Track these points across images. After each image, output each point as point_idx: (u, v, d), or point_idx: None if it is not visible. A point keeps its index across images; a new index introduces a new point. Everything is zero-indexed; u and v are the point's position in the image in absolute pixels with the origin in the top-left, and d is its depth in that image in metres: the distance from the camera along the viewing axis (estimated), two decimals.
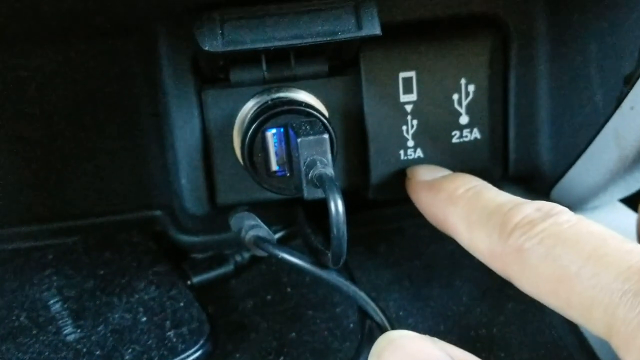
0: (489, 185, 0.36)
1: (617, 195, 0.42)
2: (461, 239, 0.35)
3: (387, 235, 0.47)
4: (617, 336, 0.25)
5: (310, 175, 0.33)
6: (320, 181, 0.32)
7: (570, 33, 0.38)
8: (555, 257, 0.28)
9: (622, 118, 0.35)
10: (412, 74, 0.40)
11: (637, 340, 0.24)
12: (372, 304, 0.35)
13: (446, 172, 0.40)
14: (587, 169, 0.39)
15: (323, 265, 0.35)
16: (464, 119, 0.41)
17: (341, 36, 0.33)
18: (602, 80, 0.36)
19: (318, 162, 0.33)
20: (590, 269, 0.27)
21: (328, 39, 0.33)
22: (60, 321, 0.38)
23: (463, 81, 0.40)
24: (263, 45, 0.33)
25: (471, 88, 0.40)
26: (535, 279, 0.29)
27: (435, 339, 0.28)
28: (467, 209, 0.35)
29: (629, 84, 0.34)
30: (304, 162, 0.34)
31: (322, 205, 0.34)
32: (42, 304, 0.39)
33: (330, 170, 0.33)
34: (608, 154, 0.37)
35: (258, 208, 0.40)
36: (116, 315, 0.38)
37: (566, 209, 0.31)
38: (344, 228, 0.32)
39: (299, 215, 0.44)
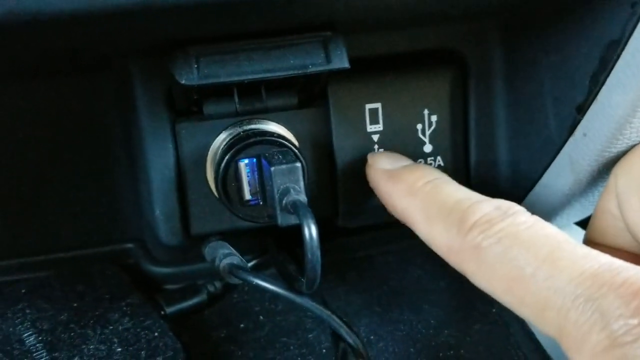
0: (449, 179, 0.36)
1: (573, 218, 0.44)
2: (419, 232, 0.35)
3: (356, 262, 0.48)
4: (568, 338, 0.26)
5: (284, 202, 0.34)
6: (295, 208, 0.34)
7: (524, 65, 0.41)
8: (512, 257, 0.29)
9: (576, 144, 0.37)
10: (378, 105, 0.42)
11: (588, 343, 0.25)
12: (345, 327, 0.36)
13: (407, 161, 0.40)
14: (544, 194, 0.41)
15: (297, 291, 0.36)
16: (427, 148, 0.43)
17: (311, 69, 0.35)
18: (555, 109, 0.39)
19: (291, 189, 0.35)
20: (545, 272, 0.28)
21: (299, 72, 0.35)
22: (36, 354, 0.38)
23: (426, 112, 0.42)
24: (237, 78, 0.34)
25: (434, 118, 0.42)
26: (491, 276, 0.30)
27: None
28: (426, 202, 0.35)
29: (581, 112, 0.36)
30: (278, 190, 0.35)
31: (292, 234, 0.35)
32: (16, 337, 0.39)
33: (303, 197, 0.34)
34: (564, 179, 0.39)
35: (229, 238, 0.41)
36: (91, 347, 0.38)
37: (523, 209, 0.32)
38: (318, 253, 0.33)
39: (270, 244, 0.45)
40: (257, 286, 0.37)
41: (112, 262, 0.45)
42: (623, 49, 0.33)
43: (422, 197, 0.35)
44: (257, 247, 0.46)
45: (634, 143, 0.36)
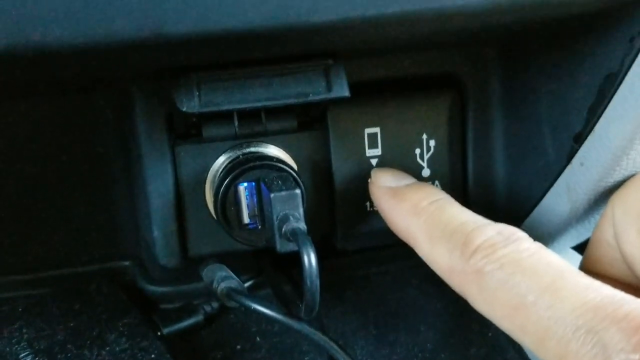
0: (453, 200, 0.36)
1: (569, 243, 0.45)
2: (421, 251, 0.35)
3: (353, 282, 0.48)
4: None
5: (283, 229, 0.34)
6: (294, 235, 0.34)
7: (522, 92, 0.41)
8: (514, 284, 0.29)
9: (573, 173, 0.38)
10: (377, 129, 0.42)
11: None
12: (344, 354, 0.36)
13: (411, 179, 0.39)
14: (541, 220, 0.42)
15: (295, 316, 0.37)
16: (425, 172, 0.43)
17: (312, 98, 0.35)
18: (553, 137, 0.39)
19: (291, 216, 0.35)
20: (546, 301, 0.28)
21: (299, 100, 0.35)
22: None
23: (424, 137, 0.42)
24: (238, 106, 0.35)
25: (432, 143, 0.43)
26: (492, 302, 0.30)
27: None
28: (429, 223, 0.35)
29: (578, 142, 0.37)
30: (277, 217, 0.35)
31: (289, 255, 0.35)
32: (13, 357, 0.39)
33: (302, 225, 0.34)
34: (561, 206, 0.39)
35: (224, 257, 0.41)
36: None
37: (526, 236, 0.32)
38: (317, 281, 0.33)
39: (266, 265, 0.45)
40: (256, 311, 0.37)
41: (109, 280, 0.45)
42: (621, 81, 0.33)
43: (425, 217, 0.35)
44: (253, 267, 0.46)
45: (631, 174, 0.36)
